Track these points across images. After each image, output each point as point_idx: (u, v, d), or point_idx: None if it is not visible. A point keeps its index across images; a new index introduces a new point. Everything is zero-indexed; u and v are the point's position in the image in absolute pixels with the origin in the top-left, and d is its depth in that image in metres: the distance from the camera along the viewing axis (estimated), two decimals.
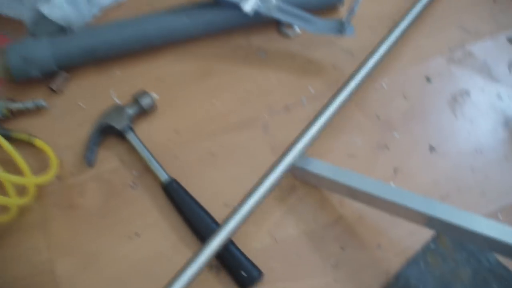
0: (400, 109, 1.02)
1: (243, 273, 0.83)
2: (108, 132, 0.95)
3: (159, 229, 0.90)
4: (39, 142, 0.92)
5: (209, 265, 0.85)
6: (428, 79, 1.06)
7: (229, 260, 0.85)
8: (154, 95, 0.98)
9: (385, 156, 0.98)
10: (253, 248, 0.88)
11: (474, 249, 0.87)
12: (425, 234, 0.89)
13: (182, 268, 0.77)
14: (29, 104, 0.97)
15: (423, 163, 0.97)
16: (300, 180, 0.94)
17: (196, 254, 0.78)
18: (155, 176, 0.91)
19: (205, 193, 0.92)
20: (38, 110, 0.98)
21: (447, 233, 0.86)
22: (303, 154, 0.89)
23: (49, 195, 0.92)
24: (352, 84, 0.96)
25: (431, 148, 0.99)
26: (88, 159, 0.93)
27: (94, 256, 0.87)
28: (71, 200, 0.92)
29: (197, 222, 0.88)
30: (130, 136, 0.93)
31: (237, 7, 0.99)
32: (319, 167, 0.86)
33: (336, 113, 0.94)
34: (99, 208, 0.91)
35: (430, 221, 0.79)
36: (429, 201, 0.78)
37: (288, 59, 1.07)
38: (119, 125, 0.93)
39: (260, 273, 0.85)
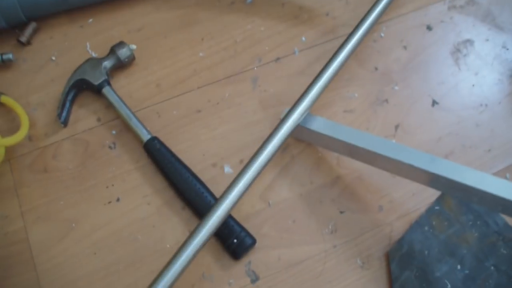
0: (400, 60, 0.97)
1: (234, 240, 0.79)
2: (83, 88, 0.90)
3: (142, 193, 0.85)
4: (7, 99, 0.86)
5: None
6: (429, 28, 1.00)
7: (219, 226, 0.79)
8: (133, 46, 0.92)
9: (385, 111, 0.93)
10: (245, 213, 0.84)
11: (481, 211, 0.83)
12: (430, 195, 0.86)
13: (178, 250, 0.70)
14: None
15: (425, 119, 0.93)
16: (293, 137, 0.89)
17: (192, 235, 0.71)
18: (135, 135, 0.87)
19: (191, 152, 0.88)
20: (5, 64, 0.92)
21: (452, 193, 0.82)
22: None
23: (20, 158, 0.87)
24: (355, 39, 0.88)
25: (434, 103, 0.94)
26: (62, 117, 0.88)
27: (72, 224, 0.83)
28: (45, 163, 0.87)
29: (183, 185, 0.83)
30: (108, 92, 0.88)
31: None
32: (314, 122, 0.81)
33: (338, 71, 0.87)
34: (76, 171, 0.87)
35: (434, 180, 0.75)
36: (434, 158, 0.74)
37: (277, 5, 1.01)
38: (95, 80, 0.88)
39: (252, 240, 0.81)
